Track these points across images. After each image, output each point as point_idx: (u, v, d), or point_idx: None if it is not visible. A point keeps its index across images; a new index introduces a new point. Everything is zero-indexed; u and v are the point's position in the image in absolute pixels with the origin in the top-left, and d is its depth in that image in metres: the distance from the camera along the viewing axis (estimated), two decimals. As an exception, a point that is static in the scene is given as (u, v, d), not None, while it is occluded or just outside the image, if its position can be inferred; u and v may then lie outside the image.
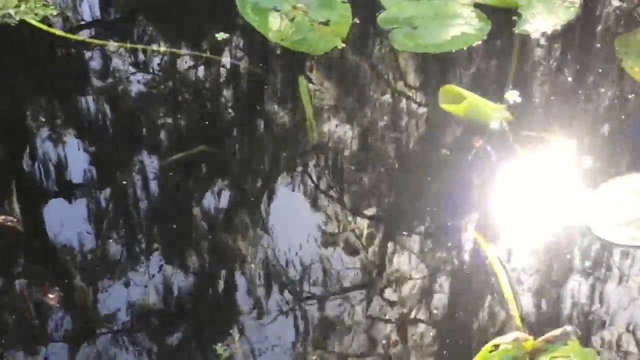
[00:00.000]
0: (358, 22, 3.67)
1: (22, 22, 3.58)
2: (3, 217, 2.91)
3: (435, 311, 2.67)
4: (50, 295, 2.67)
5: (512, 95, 3.36)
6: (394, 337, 2.60)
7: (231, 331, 2.58)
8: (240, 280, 2.75)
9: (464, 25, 3.66)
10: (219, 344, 2.53)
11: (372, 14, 3.68)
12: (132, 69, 3.50)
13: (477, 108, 3.22)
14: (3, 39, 3.56)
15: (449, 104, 3.25)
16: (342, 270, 2.78)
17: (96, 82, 3.44)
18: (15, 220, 2.91)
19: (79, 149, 3.17)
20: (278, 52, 3.57)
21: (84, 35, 3.62)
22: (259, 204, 3.01)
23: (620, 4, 3.86)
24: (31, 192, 3.04)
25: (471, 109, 3.20)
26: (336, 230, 2.93)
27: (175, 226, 2.91)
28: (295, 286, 2.73)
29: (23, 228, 2.88)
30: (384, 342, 2.59)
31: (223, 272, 2.77)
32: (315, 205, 3.03)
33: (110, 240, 2.85)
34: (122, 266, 2.77)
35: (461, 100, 3.22)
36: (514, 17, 3.70)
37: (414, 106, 3.44)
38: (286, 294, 2.70)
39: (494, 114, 3.25)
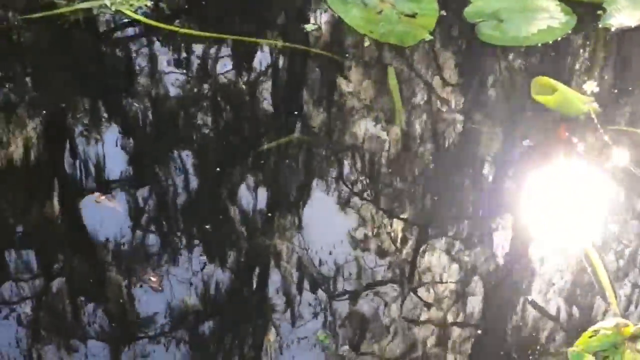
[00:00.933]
0: (444, 14, 3.71)
1: (118, 13, 3.68)
2: (104, 196, 3.01)
3: (536, 298, 2.70)
4: (153, 279, 2.73)
5: (591, 86, 3.40)
6: (500, 321, 2.65)
7: (330, 318, 2.63)
8: (343, 265, 2.79)
9: (550, 19, 3.69)
10: (320, 331, 2.59)
11: (459, 7, 3.73)
12: (223, 59, 3.59)
13: (567, 99, 3.25)
14: (100, 29, 3.67)
15: (541, 95, 3.28)
16: (460, 251, 2.83)
17: (188, 71, 3.53)
18: (114, 199, 3.00)
19: (174, 136, 3.26)
20: (366, 43, 3.62)
21: (177, 26, 3.70)
22: (354, 189, 3.06)
23: None
24: (133, 175, 3.12)
25: (562, 100, 3.23)
26: (436, 211, 2.99)
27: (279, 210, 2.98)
28: (401, 271, 2.78)
29: (121, 209, 2.96)
30: (491, 324, 2.63)
31: (324, 257, 2.82)
32: (408, 190, 3.08)
33: (210, 224, 2.91)
34: (233, 248, 2.85)
35: (551, 92, 3.25)
36: (599, 11, 3.72)
37: (499, 97, 3.48)
38: (390, 278, 2.76)
39: (583, 105, 3.27)
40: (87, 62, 3.56)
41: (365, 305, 2.66)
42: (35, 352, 2.49)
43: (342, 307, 2.66)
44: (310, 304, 2.66)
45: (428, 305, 2.68)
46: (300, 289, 2.71)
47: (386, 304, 2.67)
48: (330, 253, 2.81)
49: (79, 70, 3.50)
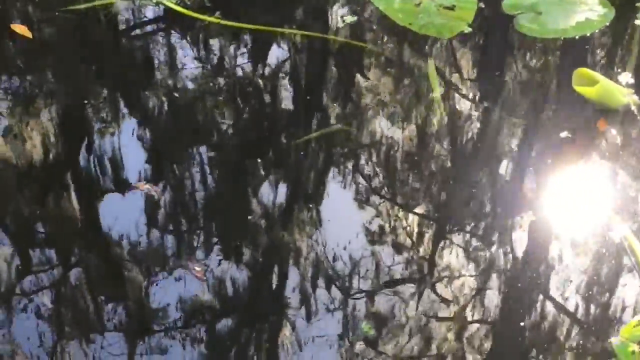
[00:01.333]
0: (483, 7, 3.73)
1: (159, 4, 3.72)
2: (147, 185, 3.04)
3: (579, 288, 2.72)
4: (197, 268, 2.75)
5: (626, 78, 3.41)
6: (548, 310, 2.68)
7: (373, 310, 2.66)
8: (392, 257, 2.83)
9: (588, 12, 3.70)
10: (365, 322, 2.62)
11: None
12: (263, 50, 3.62)
13: (608, 91, 3.26)
14: (142, 20, 3.72)
15: (581, 86, 3.30)
16: (504, 239, 2.86)
17: (231, 62, 3.57)
18: (157, 189, 3.03)
19: (218, 125, 3.30)
20: (405, 35, 3.65)
21: (217, 17, 3.73)
22: (395, 178, 3.09)
23: None
24: (176, 163, 3.15)
25: (603, 92, 3.25)
26: (475, 199, 3.01)
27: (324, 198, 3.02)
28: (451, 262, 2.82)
29: (162, 197, 3.00)
30: (538, 313, 2.66)
31: (369, 250, 2.85)
32: (446, 180, 3.10)
33: (255, 212, 2.94)
34: (277, 236, 2.89)
35: (592, 83, 3.26)
36: (637, 4, 3.73)
37: (537, 89, 3.50)
38: (442, 267, 2.79)
39: (623, 97, 3.28)
40: (129, 52, 3.61)
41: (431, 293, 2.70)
42: (86, 331, 2.53)
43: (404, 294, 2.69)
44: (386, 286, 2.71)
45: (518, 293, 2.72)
46: (366, 275, 2.75)
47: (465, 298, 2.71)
48: (384, 239, 2.85)
49: (118, 60, 3.55)
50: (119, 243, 2.80)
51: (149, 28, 3.78)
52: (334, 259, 2.77)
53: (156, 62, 3.56)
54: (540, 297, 2.70)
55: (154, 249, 2.80)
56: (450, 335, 2.57)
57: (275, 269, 2.74)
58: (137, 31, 3.76)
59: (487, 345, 2.57)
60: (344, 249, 2.80)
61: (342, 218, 2.93)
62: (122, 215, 2.90)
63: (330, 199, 3.00)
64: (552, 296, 2.70)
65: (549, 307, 2.67)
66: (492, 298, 2.68)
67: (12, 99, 3.32)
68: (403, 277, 2.73)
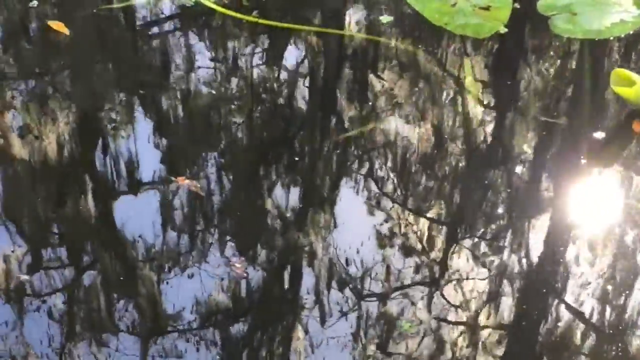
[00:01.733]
0: (518, 7, 3.76)
1: (197, 4, 3.77)
2: (188, 181, 3.07)
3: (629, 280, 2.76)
4: (237, 265, 2.76)
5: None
6: (593, 302, 2.70)
7: (414, 308, 2.69)
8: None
9: (623, 13, 3.73)
10: (405, 320, 2.64)
11: (532, 0, 3.79)
12: (301, 50, 3.66)
13: (646, 92, 3.29)
14: (180, 19, 3.77)
15: (620, 87, 3.32)
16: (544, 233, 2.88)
17: (270, 61, 3.61)
18: (198, 185, 3.06)
19: (260, 121, 3.34)
20: (441, 35, 3.68)
21: (255, 16, 3.77)
22: (433, 176, 3.13)
23: None
24: (217, 159, 3.19)
25: (641, 93, 3.27)
26: (517, 199, 3.04)
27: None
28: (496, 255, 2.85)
29: (204, 194, 3.03)
30: (581, 305, 2.69)
31: (409, 249, 2.88)
32: (484, 178, 3.13)
33: (296, 208, 2.98)
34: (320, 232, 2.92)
35: (629, 84, 3.28)
36: (673, 5, 3.76)
37: (573, 90, 3.53)
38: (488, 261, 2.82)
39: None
40: (163, 48, 3.65)
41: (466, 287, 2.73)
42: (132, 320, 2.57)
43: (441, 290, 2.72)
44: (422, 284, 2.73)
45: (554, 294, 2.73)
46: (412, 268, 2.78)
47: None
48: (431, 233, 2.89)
49: (153, 56, 3.60)
50: (155, 238, 2.83)
51: (185, 26, 3.82)
52: (386, 256, 2.80)
53: (194, 58, 3.60)
54: (593, 306, 2.73)
55: (191, 244, 2.83)
56: (487, 338, 2.60)
57: (320, 264, 2.77)
58: (174, 29, 3.80)
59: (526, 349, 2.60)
60: (397, 245, 2.84)
61: (393, 215, 2.97)
62: (161, 210, 2.93)
63: (380, 194, 3.04)
64: (604, 306, 2.72)
65: (605, 306, 2.69)
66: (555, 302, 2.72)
67: (51, 92, 3.37)
68: (456, 275, 2.77)
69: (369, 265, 2.75)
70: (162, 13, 3.84)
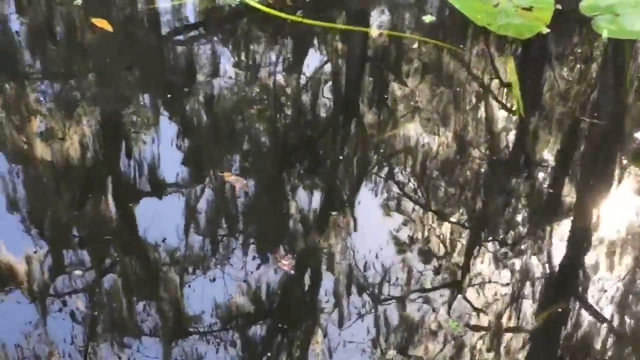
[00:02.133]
0: (560, 8, 3.78)
1: (242, 4, 3.82)
2: (234, 176, 3.10)
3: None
4: (284, 262, 2.77)
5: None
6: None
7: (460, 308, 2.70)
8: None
9: (665, 14, 3.75)
10: (451, 320, 2.66)
11: (574, 0, 3.80)
12: (344, 48, 3.70)
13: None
14: (224, 19, 3.82)
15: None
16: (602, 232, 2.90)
17: (313, 60, 3.65)
18: (244, 182, 3.09)
19: (306, 117, 3.38)
20: (484, 35, 3.71)
21: (300, 16, 3.81)
22: (475, 176, 3.15)
23: None
24: (267, 155, 3.23)
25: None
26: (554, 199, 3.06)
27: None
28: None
29: (249, 190, 3.06)
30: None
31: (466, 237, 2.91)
32: (525, 177, 3.15)
33: (346, 202, 3.01)
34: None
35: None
36: None
37: (615, 91, 3.54)
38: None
39: None
40: (208, 45, 3.71)
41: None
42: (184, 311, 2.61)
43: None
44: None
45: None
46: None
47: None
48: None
49: (198, 53, 3.65)
50: (199, 232, 2.87)
51: (231, 25, 3.87)
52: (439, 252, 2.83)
53: (240, 57, 3.66)
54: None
55: (236, 239, 2.85)
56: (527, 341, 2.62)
57: (373, 257, 2.81)
58: (220, 28, 3.86)
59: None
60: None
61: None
62: (207, 205, 2.97)
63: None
64: None
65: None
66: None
67: (103, 86, 3.43)
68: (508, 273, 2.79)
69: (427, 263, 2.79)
70: (206, 12, 3.89)
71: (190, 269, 2.72)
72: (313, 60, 3.66)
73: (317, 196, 3.01)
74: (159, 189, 3.04)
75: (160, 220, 2.86)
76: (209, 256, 2.78)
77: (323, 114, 3.40)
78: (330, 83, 3.53)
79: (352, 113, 3.41)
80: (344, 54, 3.68)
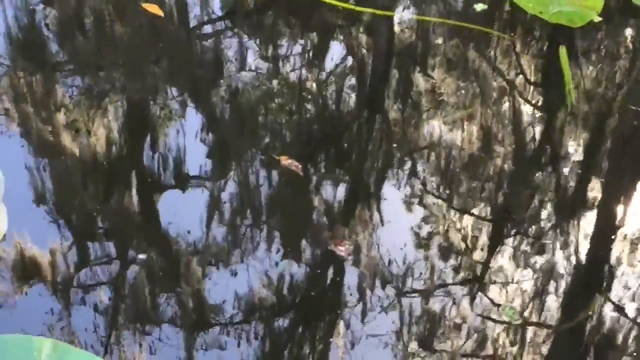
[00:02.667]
0: (612, -3, 3.81)
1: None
2: (289, 160, 3.14)
3: None
4: (341, 247, 2.79)
5: None
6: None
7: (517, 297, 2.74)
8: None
9: None
10: (508, 307, 2.68)
11: (626, -10, 3.82)
12: (398, 35, 3.74)
13: None
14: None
15: None
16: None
17: (360, 45, 3.69)
18: (298, 165, 3.13)
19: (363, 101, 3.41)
20: (536, 23, 3.73)
21: (352, 4, 3.86)
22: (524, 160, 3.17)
23: None
24: (323, 139, 3.27)
25: None
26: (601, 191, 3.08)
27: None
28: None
29: (303, 174, 3.09)
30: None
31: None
32: (573, 167, 3.17)
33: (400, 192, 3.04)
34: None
35: None
36: None
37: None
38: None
39: None
40: (260, 31, 3.75)
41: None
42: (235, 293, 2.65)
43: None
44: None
45: None
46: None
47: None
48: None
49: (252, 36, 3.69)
50: (254, 215, 2.92)
51: (281, 10, 3.91)
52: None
53: (293, 42, 3.70)
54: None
55: (291, 223, 2.90)
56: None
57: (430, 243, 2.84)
58: (271, 12, 3.89)
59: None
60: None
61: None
62: (263, 189, 3.02)
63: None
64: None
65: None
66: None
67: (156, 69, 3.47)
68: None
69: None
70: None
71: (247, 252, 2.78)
72: (361, 48, 3.70)
73: (379, 181, 3.06)
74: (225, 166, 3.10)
75: (217, 204, 2.92)
76: (267, 239, 2.83)
77: (387, 95, 3.47)
78: (384, 70, 3.57)
79: (407, 98, 3.44)
80: (388, 42, 3.71)
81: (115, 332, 2.47)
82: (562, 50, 3.57)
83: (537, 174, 3.13)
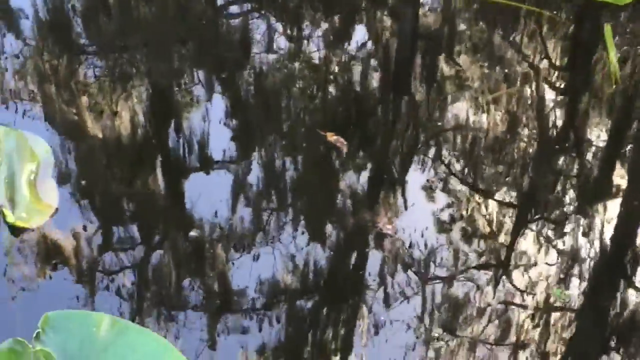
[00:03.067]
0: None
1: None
2: (336, 137, 3.16)
3: None
4: (388, 226, 2.78)
5: None
6: None
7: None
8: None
9: None
10: (556, 287, 2.68)
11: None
12: (431, 14, 3.74)
13: None
14: None
15: None
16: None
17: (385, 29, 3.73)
18: (345, 142, 3.14)
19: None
20: (582, 2, 3.70)
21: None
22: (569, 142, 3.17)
23: None
24: (368, 116, 3.29)
25: None
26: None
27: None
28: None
29: (349, 150, 3.10)
30: None
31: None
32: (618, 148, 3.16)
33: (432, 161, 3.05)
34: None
35: None
36: None
37: None
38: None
39: None
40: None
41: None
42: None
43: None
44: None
45: None
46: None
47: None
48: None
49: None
50: (298, 191, 2.95)
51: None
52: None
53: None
54: None
55: (335, 200, 2.90)
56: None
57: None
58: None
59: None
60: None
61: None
62: (310, 164, 3.06)
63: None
64: None
65: None
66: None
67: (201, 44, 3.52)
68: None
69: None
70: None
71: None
72: (407, 26, 3.72)
73: (427, 161, 3.07)
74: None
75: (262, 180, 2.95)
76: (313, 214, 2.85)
77: (438, 72, 3.48)
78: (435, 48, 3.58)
79: (459, 77, 3.46)
80: (428, 20, 3.72)
81: (174, 312, 2.48)
82: (608, 29, 3.55)
83: (584, 148, 3.12)
